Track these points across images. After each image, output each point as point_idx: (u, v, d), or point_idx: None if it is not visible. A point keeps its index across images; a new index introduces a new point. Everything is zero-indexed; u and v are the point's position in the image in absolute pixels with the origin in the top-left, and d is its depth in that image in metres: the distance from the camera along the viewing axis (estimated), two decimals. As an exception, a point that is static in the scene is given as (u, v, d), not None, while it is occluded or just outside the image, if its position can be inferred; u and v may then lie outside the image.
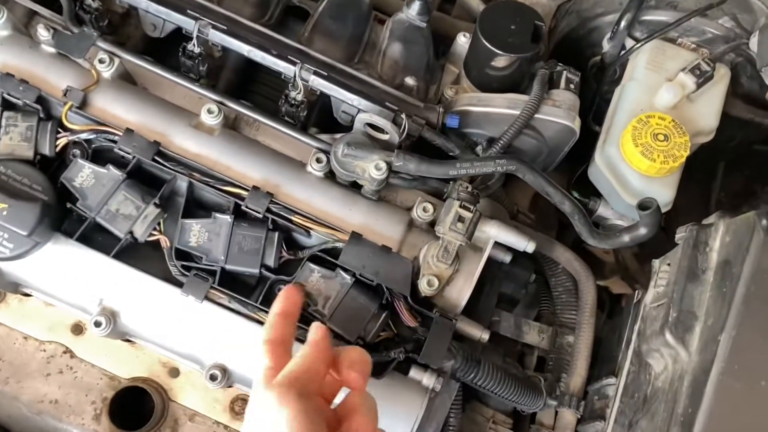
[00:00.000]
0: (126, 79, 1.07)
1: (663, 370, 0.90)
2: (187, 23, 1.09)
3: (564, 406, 1.11)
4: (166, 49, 1.20)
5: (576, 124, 1.17)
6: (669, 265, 0.97)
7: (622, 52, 1.29)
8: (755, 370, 0.78)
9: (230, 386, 1.03)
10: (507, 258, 1.10)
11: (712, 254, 0.90)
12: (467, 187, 1.02)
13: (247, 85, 1.23)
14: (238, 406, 1.09)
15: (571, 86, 1.19)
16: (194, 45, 1.09)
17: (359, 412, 0.76)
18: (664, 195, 1.13)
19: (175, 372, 1.10)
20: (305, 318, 0.97)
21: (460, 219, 0.96)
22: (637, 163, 1.13)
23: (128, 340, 1.08)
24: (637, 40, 1.27)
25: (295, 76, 1.08)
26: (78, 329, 1.11)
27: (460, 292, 1.02)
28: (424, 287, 0.97)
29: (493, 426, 1.17)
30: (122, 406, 1.07)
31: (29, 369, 1.09)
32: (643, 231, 1.03)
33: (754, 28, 1.24)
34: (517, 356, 1.30)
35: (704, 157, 1.38)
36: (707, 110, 1.21)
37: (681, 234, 0.97)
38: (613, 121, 1.20)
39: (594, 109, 1.36)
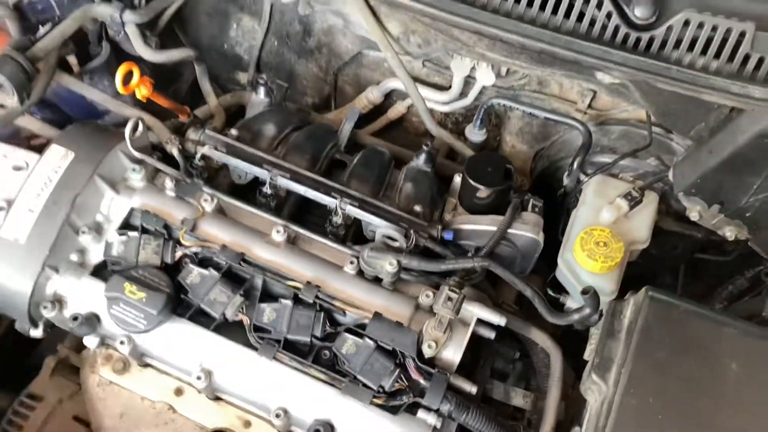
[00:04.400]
0: (220, 211, 1.55)
1: (594, 402, 1.26)
2: (263, 174, 1.58)
3: (538, 448, 1.45)
4: (243, 191, 1.70)
5: (540, 237, 1.59)
6: (597, 329, 1.36)
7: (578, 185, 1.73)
8: (645, 391, 1.15)
9: (289, 425, 1.41)
10: (491, 335, 1.49)
11: (624, 320, 1.29)
12: (456, 280, 1.44)
13: (303, 213, 1.71)
14: (294, 449, 1.46)
15: (536, 209, 1.63)
16: (267, 188, 1.59)
17: None
18: (608, 287, 1.52)
19: (248, 424, 1.48)
20: (339, 372, 1.38)
21: (449, 298, 1.37)
22: (585, 264, 1.53)
23: (217, 398, 1.48)
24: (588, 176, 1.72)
25: (336, 207, 1.56)
26: (179, 392, 1.51)
27: (454, 355, 1.41)
28: (426, 349, 1.37)
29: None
30: (209, 449, 1.46)
31: (144, 421, 1.49)
32: (587, 310, 1.42)
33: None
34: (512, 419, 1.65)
35: (661, 263, 1.80)
36: (640, 225, 1.61)
37: (605, 307, 1.37)
38: (569, 235, 1.62)
39: (562, 226, 1.78)
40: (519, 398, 1.59)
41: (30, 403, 1.64)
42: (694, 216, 1.63)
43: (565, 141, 1.87)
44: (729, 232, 1.63)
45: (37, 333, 1.52)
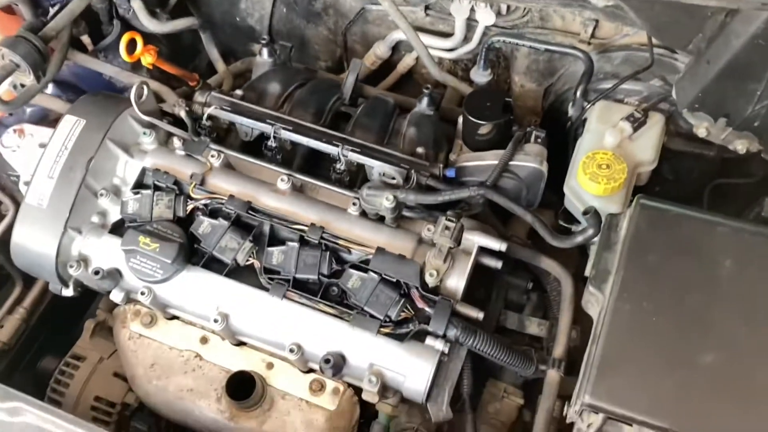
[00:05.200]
0: (228, 166, 1.61)
1: (597, 315, 1.27)
2: (267, 128, 1.64)
3: (551, 368, 1.46)
4: (253, 147, 1.75)
5: (543, 166, 1.60)
6: (595, 244, 1.36)
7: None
8: (638, 296, 1.16)
9: (306, 362, 1.46)
10: (498, 264, 1.51)
11: (621, 231, 1.29)
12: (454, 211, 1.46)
13: (312, 166, 1.75)
14: (315, 385, 1.51)
15: (539, 140, 1.64)
16: (272, 141, 1.64)
17: None
18: (615, 209, 1.51)
19: (270, 366, 1.55)
20: (347, 305, 1.42)
21: (447, 227, 1.40)
22: (588, 188, 1.52)
23: (240, 344, 1.55)
24: (591, 104, 1.71)
25: (338, 154, 1.60)
26: (204, 340, 1.58)
27: (458, 283, 1.44)
28: (428, 279, 1.40)
29: (505, 394, 1.53)
30: (236, 390, 1.52)
31: (173, 369, 1.57)
32: (590, 231, 1.42)
33: (677, 83, 1.65)
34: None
35: (681, 189, 1.78)
36: (646, 146, 1.60)
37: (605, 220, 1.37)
38: (574, 162, 1.62)
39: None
40: (534, 326, 1.60)
41: (74, 363, 1.75)
42: (701, 132, 1.60)
43: (570, 73, 1.86)
44: (740, 146, 1.59)
45: (68, 292, 1.62)
